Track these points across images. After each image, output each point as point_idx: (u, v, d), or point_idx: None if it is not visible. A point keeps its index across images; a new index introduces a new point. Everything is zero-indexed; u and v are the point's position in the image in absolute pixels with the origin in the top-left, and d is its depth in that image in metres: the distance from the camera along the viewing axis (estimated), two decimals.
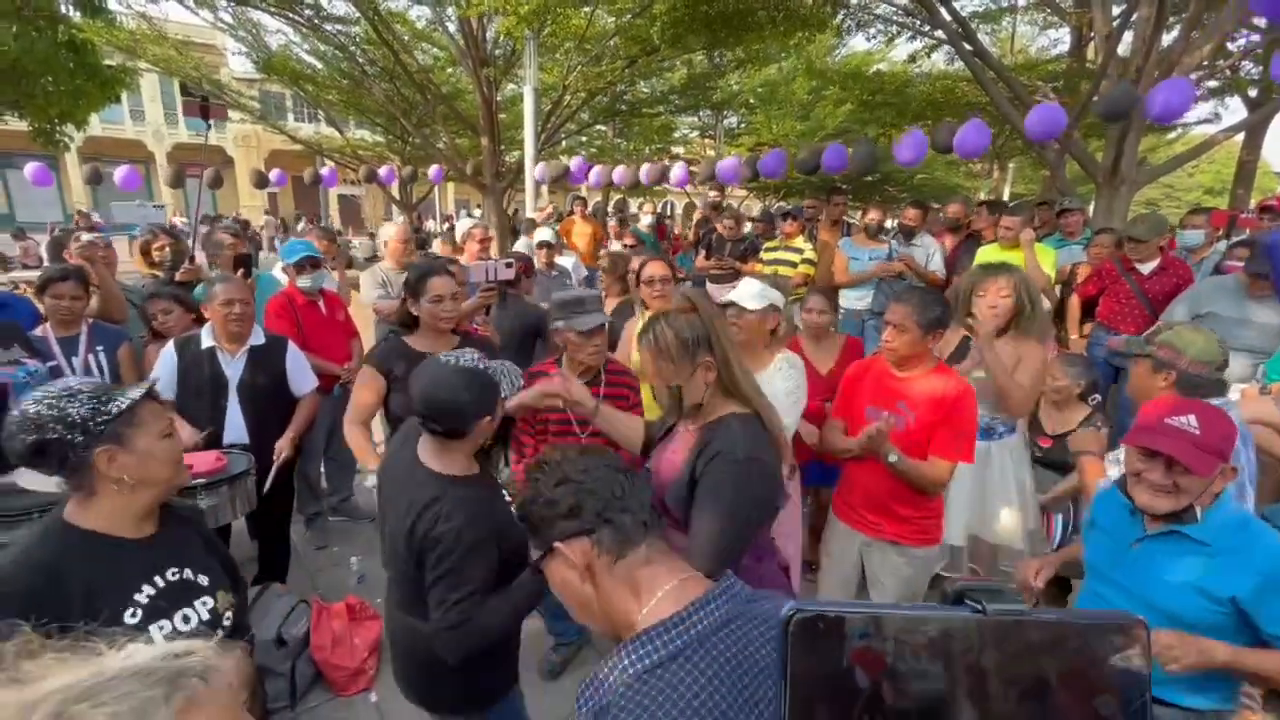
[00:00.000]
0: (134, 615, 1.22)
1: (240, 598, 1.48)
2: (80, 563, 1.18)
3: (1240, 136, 10.50)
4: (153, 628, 1.23)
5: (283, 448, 2.70)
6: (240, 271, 3.52)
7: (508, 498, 1.60)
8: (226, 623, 1.37)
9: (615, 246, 6.37)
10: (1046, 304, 2.81)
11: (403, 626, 1.56)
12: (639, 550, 0.91)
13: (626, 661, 0.83)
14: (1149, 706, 0.57)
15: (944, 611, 0.58)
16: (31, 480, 1.82)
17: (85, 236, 3.13)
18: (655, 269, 2.93)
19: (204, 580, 1.35)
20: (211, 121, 6.52)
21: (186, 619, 1.29)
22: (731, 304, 2.30)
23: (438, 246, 6.60)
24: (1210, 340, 2.03)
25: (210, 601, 1.34)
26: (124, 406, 1.23)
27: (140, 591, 1.24)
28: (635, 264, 3.24)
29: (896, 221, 6.00)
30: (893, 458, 2.05)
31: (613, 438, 1.77)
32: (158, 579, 1.27)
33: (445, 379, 1.44)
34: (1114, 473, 2.04)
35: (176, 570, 1.30)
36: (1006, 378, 2.47)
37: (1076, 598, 1.86)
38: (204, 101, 6.45)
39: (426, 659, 1.48)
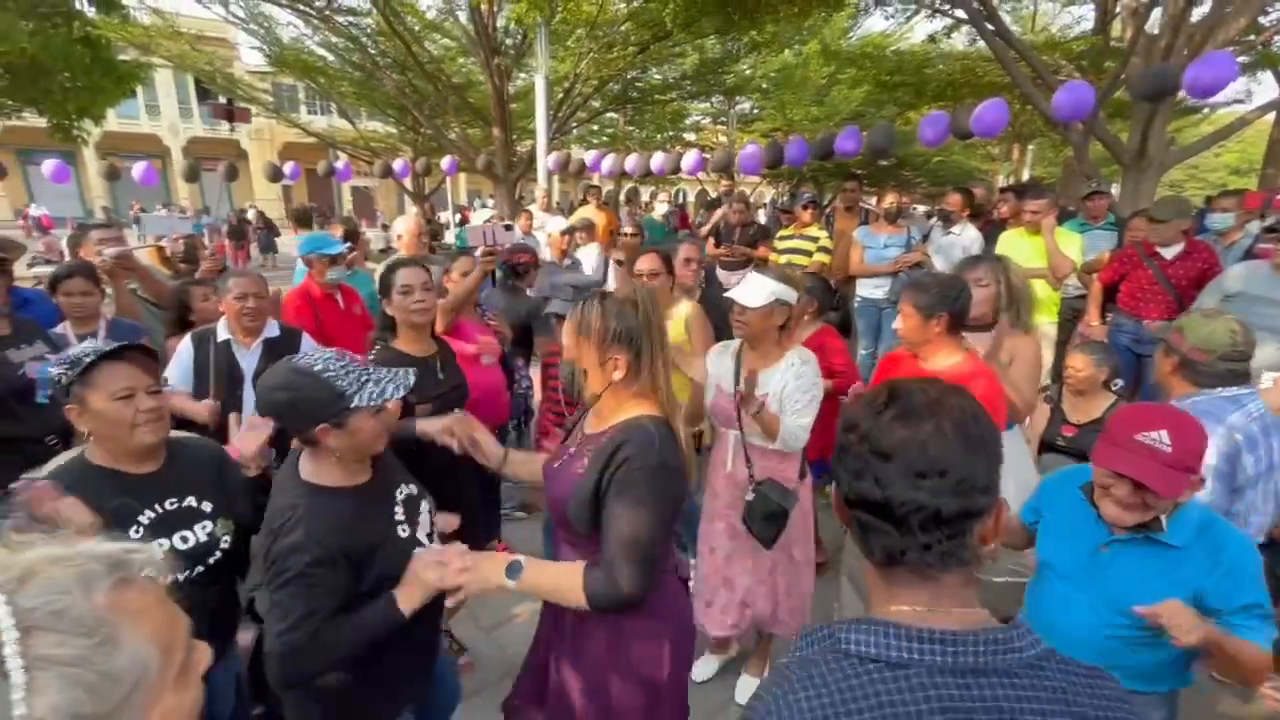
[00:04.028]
0: (137, 532, 1.45)
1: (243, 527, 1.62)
2: (92, 494, 1.38)
3: (1271, 115, 10.14)
4: (153, 544, 1.39)
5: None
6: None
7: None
8: (225, 545, 1.57)
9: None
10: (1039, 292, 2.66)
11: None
12: None
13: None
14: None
15: None
16: None
17: (108, 252, 3.12)
18: (688, 251, 3.27)
19: (206, 507, 1.56)
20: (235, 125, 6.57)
21: (185, 539, 1.51)
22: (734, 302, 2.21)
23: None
24: (1220, 327, 1.88)
25: (210, 525, 1.56)
26: (82, 367, 1.37)
27: (142, 514, 1.46)
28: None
29: (909, 205, 5.88)
30: None
31: (524, 480, 1.83)
32: (157, 506, 1.48)
33: (280, 378, 1.34)
34: None
35: (176, 500, 1.51)
36: (1004, 378, 2.31)
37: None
38: (229, 104, 6.51)
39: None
